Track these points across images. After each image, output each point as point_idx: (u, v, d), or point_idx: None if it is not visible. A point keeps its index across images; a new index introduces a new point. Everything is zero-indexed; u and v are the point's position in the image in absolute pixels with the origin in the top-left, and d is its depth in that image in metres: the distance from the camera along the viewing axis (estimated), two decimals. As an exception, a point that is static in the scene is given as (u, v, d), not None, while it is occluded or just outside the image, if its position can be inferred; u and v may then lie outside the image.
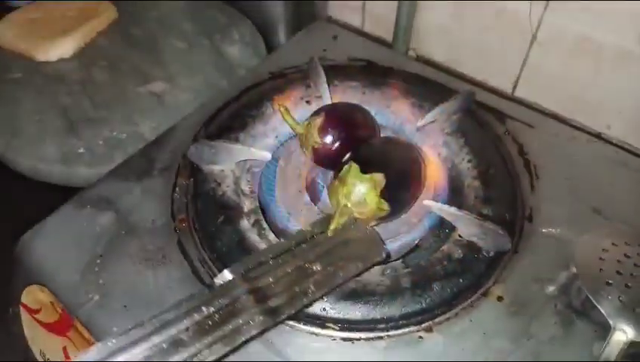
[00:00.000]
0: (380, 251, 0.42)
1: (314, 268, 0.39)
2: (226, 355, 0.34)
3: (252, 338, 0.35)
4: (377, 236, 0.43)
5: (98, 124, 0.62)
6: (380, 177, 0.42)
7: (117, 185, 0.51)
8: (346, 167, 0.44)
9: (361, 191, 0.42)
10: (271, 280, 0.37)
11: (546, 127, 0.58)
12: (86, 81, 0.68)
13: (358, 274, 0.41)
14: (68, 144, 0.60)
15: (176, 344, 0.32)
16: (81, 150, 0.60)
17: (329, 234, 0.41)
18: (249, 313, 0.35)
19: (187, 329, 0.33)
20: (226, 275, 0.38)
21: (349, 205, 0.42)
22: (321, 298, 0.40)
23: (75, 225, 0.48)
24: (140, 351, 0.31)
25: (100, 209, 0.49)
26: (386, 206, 0.42)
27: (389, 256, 0.43)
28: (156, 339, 0.32)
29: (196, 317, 0.34)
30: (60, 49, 0.70)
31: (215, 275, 0.44)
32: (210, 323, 0.34)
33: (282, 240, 0.46)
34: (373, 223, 0.45)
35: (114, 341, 0.31)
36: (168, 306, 0.34)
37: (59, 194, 0.52)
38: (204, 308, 0.34)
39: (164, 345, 0.32)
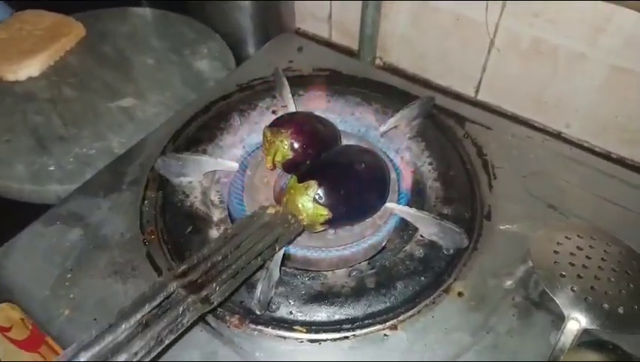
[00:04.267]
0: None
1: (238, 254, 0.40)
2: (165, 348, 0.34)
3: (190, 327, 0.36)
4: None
5: (68, 141, 0.63)
6: (312, 183, 0.44)
7: (86, 200, 0.52)
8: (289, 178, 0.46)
9: (296, 197, 0.44)
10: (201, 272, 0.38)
11: (503, 129, 0.60)
12: (56, 99, 0.68)
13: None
14: (38, 162, 0.61)
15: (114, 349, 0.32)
16: (52, 168, 0.60)
17: None
18: (184, 304, 0.35)
19: (123, 332, 0.33)
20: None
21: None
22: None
23: (44, 242, 0.49)
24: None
25: (70, 225, 0.50)
26: (324, 211, 0.44)
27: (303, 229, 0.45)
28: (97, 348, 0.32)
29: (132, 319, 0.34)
30: (29, 68, 0.71)
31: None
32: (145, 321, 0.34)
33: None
34: (320, 228, 0.46)
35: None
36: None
37: (31, 213, 0.53)
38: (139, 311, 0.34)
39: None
